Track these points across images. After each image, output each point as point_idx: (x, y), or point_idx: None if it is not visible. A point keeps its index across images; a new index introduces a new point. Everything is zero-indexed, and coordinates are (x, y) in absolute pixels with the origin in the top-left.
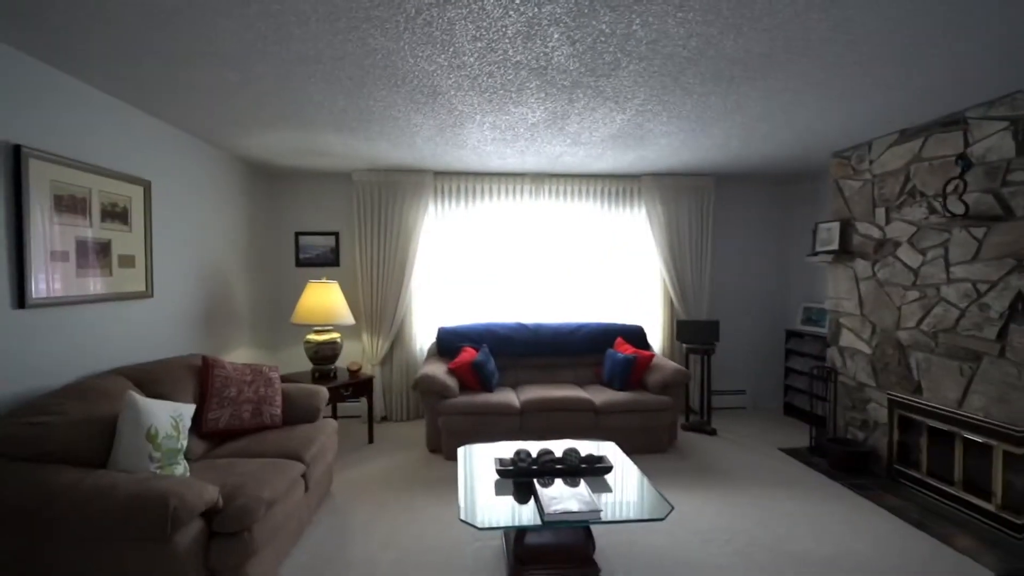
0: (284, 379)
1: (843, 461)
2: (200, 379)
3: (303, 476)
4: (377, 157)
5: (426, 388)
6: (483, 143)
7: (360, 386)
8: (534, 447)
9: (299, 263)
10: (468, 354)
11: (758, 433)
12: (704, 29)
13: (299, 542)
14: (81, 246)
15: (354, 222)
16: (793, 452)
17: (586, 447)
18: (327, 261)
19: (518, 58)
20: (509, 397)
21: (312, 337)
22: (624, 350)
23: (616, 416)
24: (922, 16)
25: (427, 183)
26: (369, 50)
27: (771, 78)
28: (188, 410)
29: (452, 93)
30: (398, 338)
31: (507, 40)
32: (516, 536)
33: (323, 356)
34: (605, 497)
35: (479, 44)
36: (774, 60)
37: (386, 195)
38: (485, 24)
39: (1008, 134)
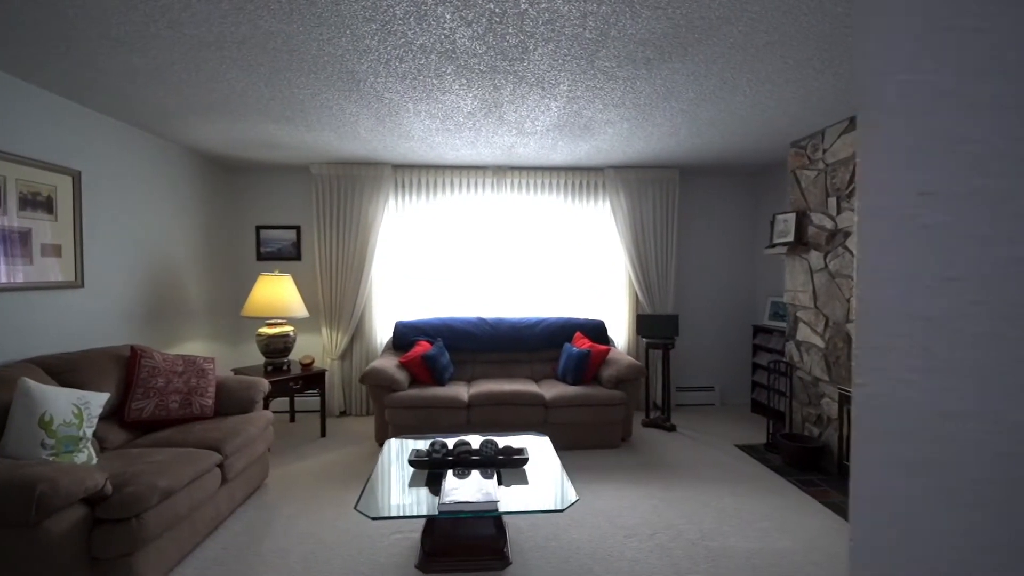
0: (237, 372)
1: (796, 457)
2: (127, 369)
3: (220, 467)
4: (329, 149)
5: (373, 381)
6: (429, 134)
7: (312, 380)
8: (473, 440)
9: (260, 257)
10: (421, 347)
11: (720, 430)
12: (596, 8)
13: (215, 534)
14: None
15: (313, 216)
16: (749, 449)
17: (514, 440)
18: (288, 255)
19: (421, 41)
20: (458, 391)
21: (264, 330)
22: (582, 345)
23: (566, 411)
24: None
25: (386, 176)
26: (266, 33)
27: (688, 60)
28: (97, 398)
29: (372, 80)
30: (358, 332)
31: (400, 21)
32: (425, 528)
33: (275, 349)
34: (518, 489)
35: (374, 25)
36: (682, 41)
37: (345, 188)
38: (370, 3)
39: None
